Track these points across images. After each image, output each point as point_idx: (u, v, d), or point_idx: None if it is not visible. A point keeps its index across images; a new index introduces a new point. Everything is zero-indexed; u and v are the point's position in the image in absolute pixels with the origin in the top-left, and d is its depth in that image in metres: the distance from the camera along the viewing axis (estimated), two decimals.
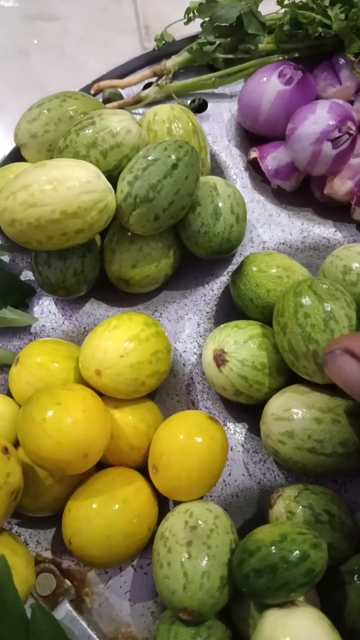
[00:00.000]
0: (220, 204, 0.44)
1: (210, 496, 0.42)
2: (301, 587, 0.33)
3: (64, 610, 0.39)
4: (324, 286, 0.38)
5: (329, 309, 0.37)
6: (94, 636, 0.38)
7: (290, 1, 0.50)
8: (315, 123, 0.44)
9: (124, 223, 0.43)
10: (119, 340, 0.40)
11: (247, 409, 0.44)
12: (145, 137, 0.44)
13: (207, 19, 0.52)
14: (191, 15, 0.53)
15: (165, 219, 0.42)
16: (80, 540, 0.37)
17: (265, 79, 0.48)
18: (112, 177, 0.43)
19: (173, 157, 0.40)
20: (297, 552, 0.33)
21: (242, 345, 0.40)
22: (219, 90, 0.54)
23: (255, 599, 0.34)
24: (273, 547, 0.33)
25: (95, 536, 0.37)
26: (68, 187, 0.38)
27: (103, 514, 0.37)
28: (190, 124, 0.47)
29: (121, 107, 0.53)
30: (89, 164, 0.40)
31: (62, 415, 0.36)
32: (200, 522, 0.37)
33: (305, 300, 0.38)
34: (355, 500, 0.41)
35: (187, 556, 0.35)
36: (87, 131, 0.42)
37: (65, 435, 0.35)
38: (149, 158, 0.41)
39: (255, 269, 0.43)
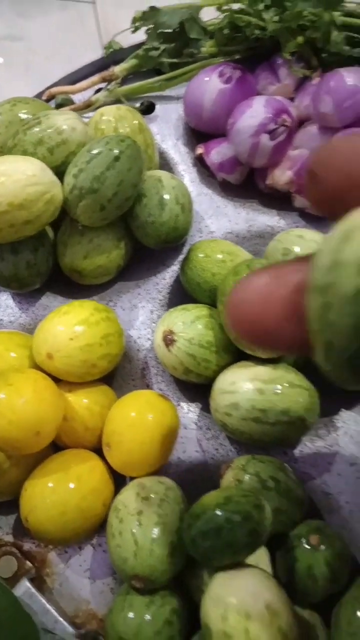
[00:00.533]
0: (165, 195, 0.46)
1: (166, 473, 0.44)
2: (246, 548, 0.34)
3: (23, 588, 0.39)
4: (260, 265, 0.41)
5: None
6: (53, 611, 0.39)
7: (229, 7, 0.53)
8: (252, 117, 0.47)
9: (72, 215, 0.45)
10: (69, 324, 0.41)
11: (199, 390, 0.45)
12: (90, 134, 0.46)
13: (151, 26, 0.55)
14: (137, 24, 0.56)
15: (111, 209, 0.44)
16: (36, 517, 0.38)
17: (206, 78, 0.51)
18: (61, 172, 0.45)
19: (115, 150, 0.43)
20: (241, 513, 0.34)
21: (190, 325, 0.42)
22: (166, 92, 0.57)
23: (204, 562, 0.35)
24: (217, 510, 0.35)
25: (50, 512, 0.38)
26: (14, 180, 0.40)
27: (58, 490, 0.39)
28: (136, 122, 0.49)
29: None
30: (35, 159, 0.42)
31: (13, 395, 0.37)
32: (151, 493, 0.38)
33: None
34: (304, 471, 0.42)
35: (137, 524, 0.36)
36: (34, 130, 0.45)
37: (16, 414, 0.37)
38: (93, 152, 0.43)
39: (201, 255, 0.45)
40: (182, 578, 0.39)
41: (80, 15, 1.01)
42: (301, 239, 0.44)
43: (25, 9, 1.05)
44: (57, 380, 0.43)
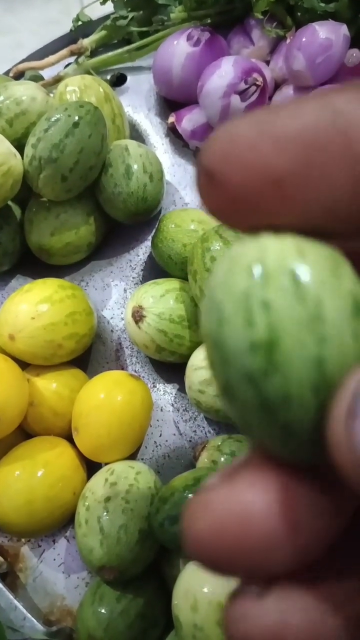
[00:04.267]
0: (132, 164, 0.43)
1: (142, 458, 0.41)
2: None
3: None
4: (230, 230, 0.38)
5: None
6: (21, 607, 0.37)
7: None
8: (220, 77, 0.44)
9: (34, 188, 0.42)
10: (31, 302, 0.39)
11: (175, 370, 0.43)
12: (52, 104, 0.44)
13: None
14: None
15: (75, 180, 0.41)
16: (1, 506, 0.36)
17: (174, 43, 0.48)
18: (22, 145, 0.42)
19: (74, 116, 0.40)
20: None
21: (159, 299, 0.40)
22: (137, 63, 0.54)
23: (173, 548, 0.32)
24: (186, 492, 0.32)
25: (15, 501, 0.36)
26: None
27: (23, 478, 0.36)
28: (102, 90, 0.47)
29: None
30: None
31: None
32: (120, 478, 0.36)
33: (212, 245, 0.37)
34: None
35: (104, 512, 0.34)
36: None
37: None
38: (51, 119, 0.40)
39: (172, 225, 0.43)
40: (159, 567, 0.36)
41: (66, 8, 0.99)
42: None
43: (11, 3, 1.04)
44: (25, 364, 0.41)
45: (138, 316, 0.40)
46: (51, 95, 0.45)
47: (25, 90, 0.43)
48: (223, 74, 0.44)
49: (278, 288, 0.11)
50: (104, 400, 0.38)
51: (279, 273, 0.11)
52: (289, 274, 0.11)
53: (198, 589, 0.30)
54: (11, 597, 0.37)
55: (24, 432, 0.41)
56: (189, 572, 0.31)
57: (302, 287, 0.10)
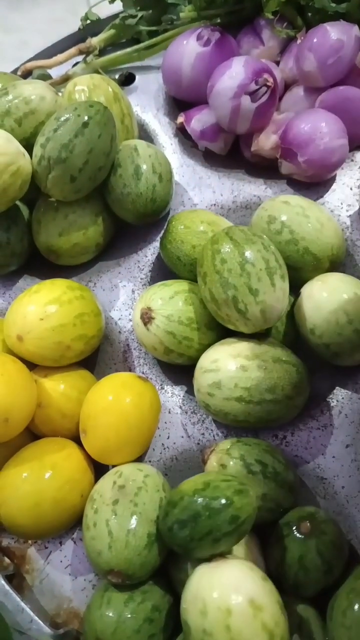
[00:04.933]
0: (141, 164, 0.43)
1: (149, 461, 0.41)
2: (227, 536, 0.31)
3: None
4: (241, 232, 0.38)
5: (244, 252, 0.36)
6: (28, 610, 0.36)
7: None
8: (231, 78, 0.44)
9: (43, 189, 0.42)
10: (40, 304, 0.39)
11: (184, 372, 0.42)
12: (61, 103, 0.43)
13: None
14: None
15: (84, 181, 0.41)
16: (9, 509, 0.36)
17: (184, 42, 0.48)
18: (31, 145, 0.42)
19: (83, 116, 0.40)
20: (220, 498, 0.31)
21: (168, 301, 0.40)
22: (146, 62, 0.54)
23: (182, 552, 0.32)
24: (195, 496, 0.32)
25: (23, 503, 0.36)
26: None
27: (31, 480, 0.36)
28: (111, 90, 0.47)
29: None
30: None
31: None
32: (129, 481, 0.35)
33: (222, 247, 0.37)
34: (297, 455, 0.39)
35: (112, 515, 0.34)
36: (0, 101, 0.42)
37: None
38: (60, 119, 0.40)
39: (181, 226, 0.42)
40: (167, 572, 0.36)
41: (72, 5, 0.99)
42: (287, 205, 0.41)
43: (18, 2, 1.03)
44: (32, 365, 0.40)
45: (147, 318, 0.39)
46: (59, 94, 0.45)
47: (34, 90, 0.42)
48: (234, 74, 0.44)
49: None
50: (112, 402, 0.38)
51: None
52: None
53: (207, 594, 0.29)
54: (18, 599, 0.37)
55: (32, 434, 0.41)
56: (197, 576, 0.31)
57: None
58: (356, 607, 0.31)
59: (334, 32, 0.43)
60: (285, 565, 0.34)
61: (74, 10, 0.97)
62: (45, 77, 0.54)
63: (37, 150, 0.41)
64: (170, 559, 0.35)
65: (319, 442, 0.39)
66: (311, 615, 0.34)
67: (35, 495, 0.36)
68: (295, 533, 0.34)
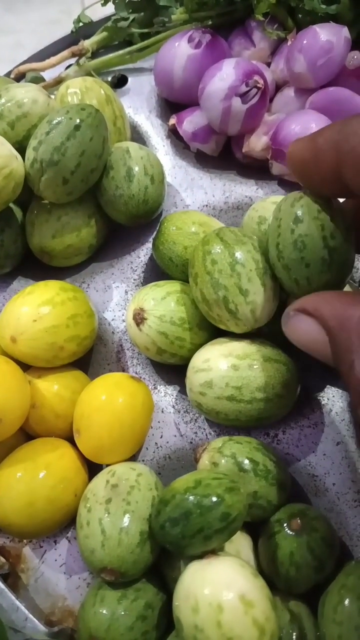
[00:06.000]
0: (133, 166, 0.43)
1: (143, 460, 0.41)
2: (218, 533, 0.32)
3: None
4: (231, 233, 0.38)
5: (235, 253, 0.36)
6: (22, 608, 0.37)
7: None
8: (222, 80, 0.44)
9: (36, 191, 0.42)
10: (33, 305, 0.39)
11: (177, 372, 0.43)
12: (54, 106, 0.44)
13: None
14: None
15: (76, 183, 0.41)
16: (3, 508, 0.36)
17: (175, 44, 0.48)
18: (24, 148, 0.43)
19: (75, 119, 0.40)
20: (211, 496, 0.32)
21: (160, 301, 0.40)
22: (138, 65, 0.54)
23: (174, 550, 0.33)
24: (187, 494, 0.32)
25: (17, 503, 0.36)
26: None
27: (24, 480, 0.36)
28: (103, 92, 0.47)
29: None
30: None
31: None
32: (122, 480, 0.36)
33: (213, 248, 0.37)
34: (288, 452, 0.40)
35: (105, 514, 0.34)
36: None
37: None
38: (53, 122, 0.40)
39: (173, 227, 0.43)
40: (160, 569, 0.36)
41: (66, 6, 0.99)
42: None
43: (11, 3, 1.04)
44: (26, 366, 0.41)
45: (139, 318, 0.40)
46: (52, 96, 0.45)
47: (26, 93, 0.43)
48: (224, 76, 0.44)
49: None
50: (105, 402, 0.38)
51: None
52: None
53: (199, 591, 0.30)
54: (13, 597, 0.37)
55: (25, 434, 0.41)
56: (189, 573, 0.31)
57: None
58: (347, 602, 0.32)
59: (323, 34, 0.44)
60: (277, 562, 0.34)
61: (69, 11, 0.97)
62: (38, 79, 0.54)
63: (29, 153, 0.41)
64: (163, 557, 0.36)
65: (309, 439, 0.40)
66: (302, 611, 0.34)
67: (29, 495, 0.36)
68: (287, 530, 0.35)
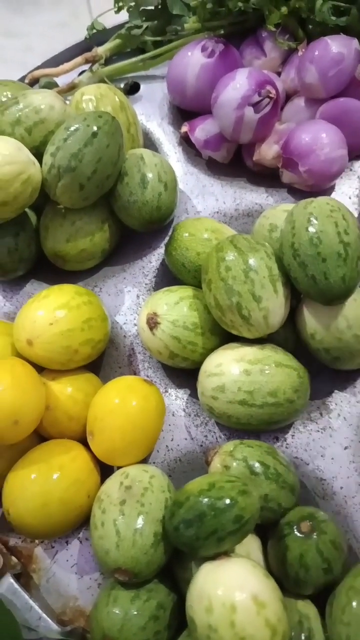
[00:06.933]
0: (147, 173, 0.44)
1: (154, 462, 0.42)
2: (231, 535, 0.32)
3: (6, 584, 0.38)
4: (245, 240, 0.39)
5: (248, 260, 0.37)
6: (36, 608, 0.37)
7: None
8: (235, 89, 0.45)
9: (52, 196, 0.43)
10: (49, 308, 0.40)
11: (188, 376, 0.44)
12: (69, 112, 0.45)
13: (132, 4, 0.53)
14: (120, 3, 0.55)
15: (91, 188, 0.42)
16: (18, 509, 0.37)
17: (189, 54, 0.49)
18: (40, 153, 0.43)
19: (93, 126, 0.41)
20: (225, 499, 0.32)
21: (173, 306, 0.41)
22: (151, 72, 0.55)
23: (189, 552, 0.33)
24: (201, 496, 0.33)
25: (32, 504, 0.36)
26: None
27: (39, 481, 0.37)
28: (117, 99, 0.48)
29: None
30: (10, 139, 0.41)
31: None
32: (135, 482, 0.36)
33: (227, 255, 0.38)
34: (297, 456, 0.41)
35: (120, 515, 0.35)
36: (11, 110, 0.43)
37: None
38: (70, 129, 0.41)
39: (185, 234, 0.44)
40: (171, 570, 0.37)
41: (74, 9, 1.00)
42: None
43: (20, 6, 1.04)
44: (40, 368, 0.41)
45: (152, 323, 0.40)
46: (67, 102, 0.46)
47: (43, 99, 0.43)
48: (237, 86, 0.45)
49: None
50: (119, 405, 0.39)
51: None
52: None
53: (212, 591, 0.30)
54: (27, 597, 0.38)
55: (39, 435, 0.42)
56: (203, 574, 0.32)
57: None
58: (354, 604, 0.33)
59: (334, 46, 0.45)
60: (287, 564, 0.35)
61: (77, 14, 0.98)
62: (52, 85, 0.55)
63: (47, 158, 0.42)
64: (174, 559, 0.36)
65: (318, 444, 0.41)
66: (311, 612, 0.35)
67: (43, 496, 0.37)
68: (296, 532, 0.35)
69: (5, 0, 1.04)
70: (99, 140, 0.41)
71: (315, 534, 0.35)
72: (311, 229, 0.36)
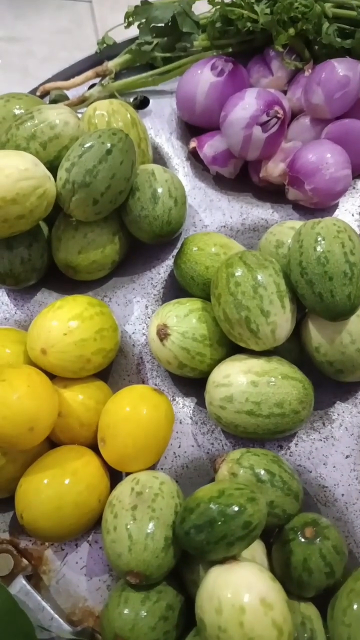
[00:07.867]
0: (158, 189, 0.46)
1: (162, 468, 0.43)
2: (240, 541, 0.34)
3: (19, 585, 0.39)
4: (253, 257, 0.40)
5: (257, 276, 0.39)
6: (48, 608, 0.39)
7: (221, 0, 0.53)
8: (244, 109, 0.46)
9: (65, 210, 0.44)
10: (63, 319, 0.41)
11: (195, 384, 0.45)
12: (83, 128, 0.46)
13: (143, 21, 0.54)
14: (130, 19, 0.56)
15: (105, 203, 0.44)
16: (31, 513, 0.38)
17: (199, 72, 0.50)
18: (54, 167, 0.45)
19: (107, 143, 0.42)
20: (234, 505, 0.34)
21: (183, 318, 0.42)
22: (160, 87, 0.57)
23: (198, 555, 0.35)
24: (211, 503, 0.34)
25: (45, 507, 0.38)
26: (6, 174, 0.40)
27: (52, 485, 0.38)
28: (129, 116, 0.49)
29: None
30: (27, 154, 0.42)
31: (6, 390, 0.37)
32: (146, 488, 0.38)
33: (236, 270, 0.40)
34: (300, 464, 0.42)
35: (132, 519, 0.36)
36: (26, 124, 0.44)
37: (9, 409, 0.36)
38: (85, 146, 0.43)
39: (194, 248, 0.45)
40: (179, 573, 0.39)
41: (77, 16, 1.01)
42: (293, 231, 0.44)
43: (23, 11, 1.05)
44: (52, 376, 0.43)
45: (163, 334, 0.42)
46: (79, 115, 0.47)
47: (58, 115, 0.45)
48: (246, 105, 0.46)
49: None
50: (130, 412, 0.40)
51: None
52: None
53: (222, 593, 0.32)
54: (39, 598, 0.39)
55: (50, 441, 0.43)
56: (212, 577, 0.34)
57: None
58: (355, 606, 0.34)
59: (341, 69, 0.46)
60: (291, 567, 0.37)
61: (79, 21, 0.99)
62: (62, 97, 0.56)
63: (61, 173, 0.43)
64: (182, 561, 0.38)
65: (320, 452, 0.42)
66: (313, 613, 0.37)
67: (57, 500, 0.38)
68: (300, 538, 0.37)
69: (7, 5, 1.04)
70: (113, 157, 0.42)
71: (318, 539, 0.36)
72: (319, 249, 0.38)
